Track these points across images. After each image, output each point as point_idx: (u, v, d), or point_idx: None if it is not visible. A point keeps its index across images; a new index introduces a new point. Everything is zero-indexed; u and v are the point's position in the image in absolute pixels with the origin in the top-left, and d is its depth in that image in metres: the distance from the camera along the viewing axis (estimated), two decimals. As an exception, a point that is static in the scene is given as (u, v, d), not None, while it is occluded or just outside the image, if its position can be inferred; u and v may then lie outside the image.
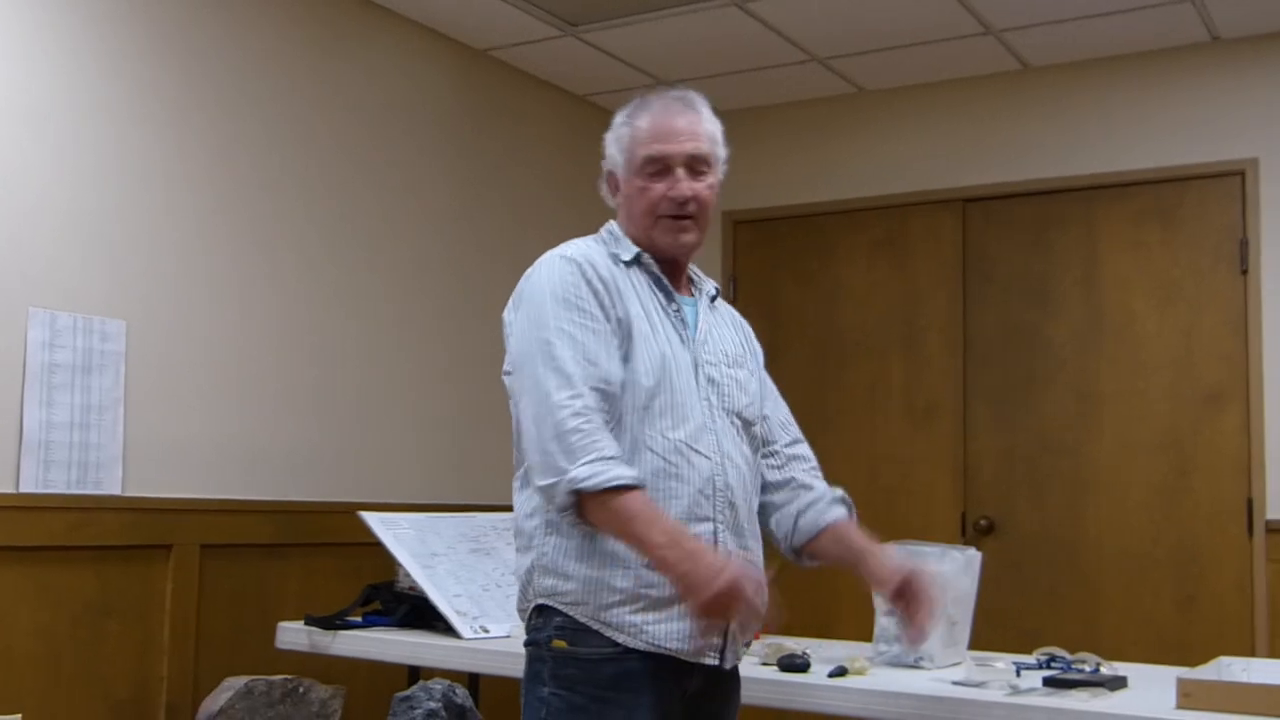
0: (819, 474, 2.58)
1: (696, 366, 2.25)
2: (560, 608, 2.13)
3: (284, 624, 3.80)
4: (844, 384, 5.42)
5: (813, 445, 5.86)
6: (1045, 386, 5.05)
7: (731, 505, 2.22)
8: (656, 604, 2.10)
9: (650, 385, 2.16)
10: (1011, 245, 5.18)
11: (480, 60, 5.10)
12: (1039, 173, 5.12)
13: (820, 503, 2.50)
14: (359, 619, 3.78)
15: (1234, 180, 4.78)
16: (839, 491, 2.55)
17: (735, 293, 5.69)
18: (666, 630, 2.11)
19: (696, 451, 2.18)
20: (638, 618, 2.10)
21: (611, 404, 2.11)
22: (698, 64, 5.17)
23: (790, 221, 5.64)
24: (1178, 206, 4.88)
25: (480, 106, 5.10)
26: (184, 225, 3.97)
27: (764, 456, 2.46)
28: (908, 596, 2.31)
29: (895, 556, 2.39)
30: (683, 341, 2.26)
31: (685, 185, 2.25)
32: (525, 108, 5.32)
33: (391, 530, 3.77)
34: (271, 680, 1.73)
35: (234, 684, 1.73)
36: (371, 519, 3.80)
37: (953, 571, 3.08)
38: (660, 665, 2.12)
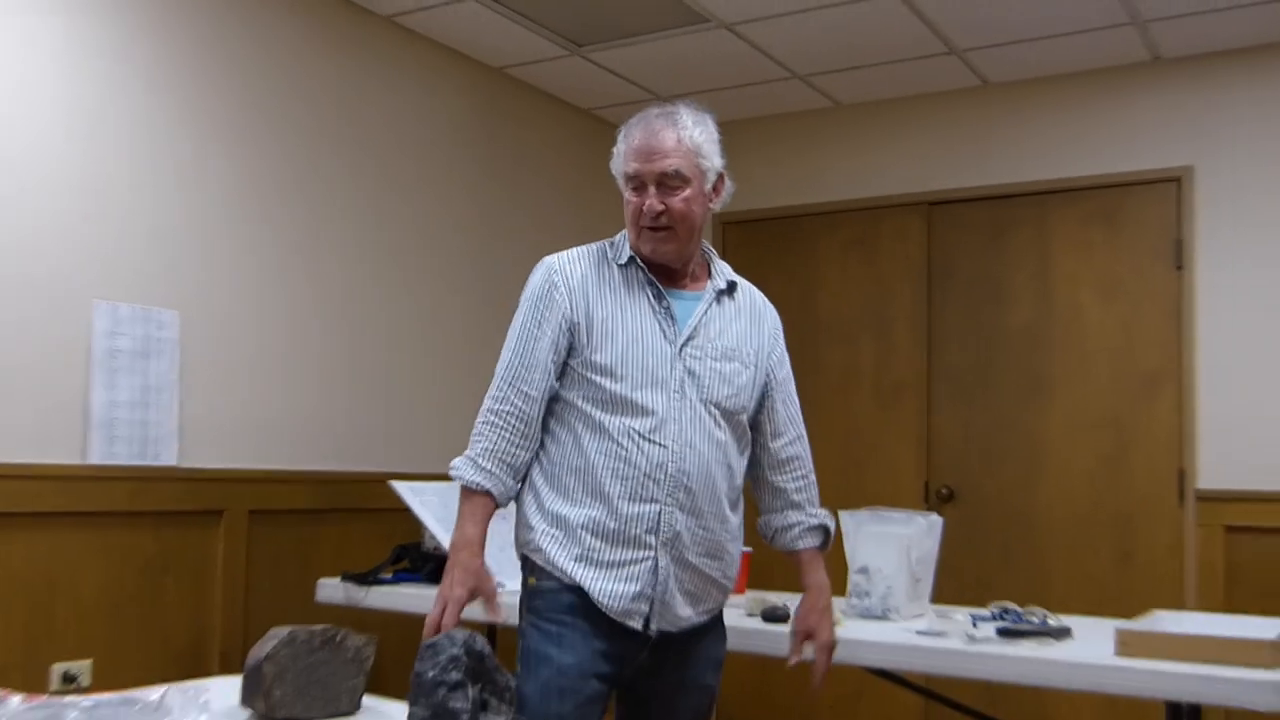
0: (808, 482, 2.56)
1: (674, 360, 2.25)
2: (530, 555, 2.26)
3: (323, 581, 3.82)
4: (821, 367, 5.44)
5: (793, 422, 5.80)
6: (1000, 370, 5.06)
7: (687, 490, 2.22)
8: (596, 564, 2.18)
9: (606, 377, 2.21)
10: (971, 244, 5.18)
11: (495, 77, 5.09)
12: (996, 179, 5.12)
13: (797, 529, 2.52)
14: (390, 576, 3.80)
15: (1171, 186, 4.78)
16: (817, 519, 2.54)
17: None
18: (600, 588, 2.17)
19: (650, 441, 2.19)
20: (581, 570, 2.18)
21: (540, 400, 2.24)
22: (691, 80, 5.17)
23: (774, 222, 5.64)
24: (1120, 209, 4.88)
25: (495, 118, 5.09)
26: (232, 226, 3.98)
27: (761, 450, 2.47)
28: (811, 642, 2.46)
29: (819, 611, 2.47)
30: (664, 336, 2.26)
31: (653, 202, 2.23)
32: (535, 120, 5.32)
33: (419, 497, 3.79)
34: (312, 630, 1.74)
35: (278, 633, 1.74)
36: (401, 487, 3.81)
37: (917, 534, 3.10)
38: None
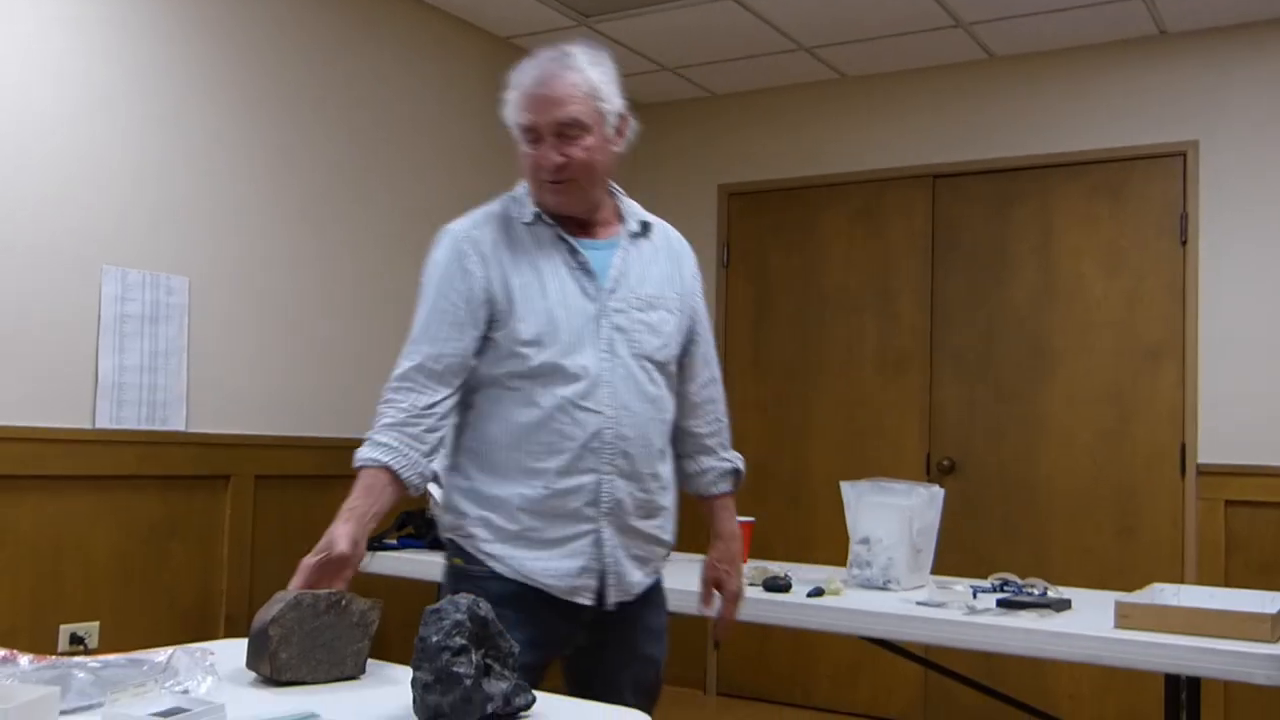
0: (721, 426, 2.35)
1: (599, 318, 2.08)
2: (458, 540, 2.11)
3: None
4: (825, 339, 5.42)
5: (796, 392, 5.89)
6: (1003, 343, 5.04)
7: (625, 455, 2.05)
8: (535, 544, 2.03)
9: (532, 348, 2.03)
10: (975, 217, 5.16)
11: (503, 47, 5.06)
12: (1001, 152, 5.09)
13: (711, 474, 2.32)
14: (394, 542, 3.80)
15: (1176, 160, 4.75)
16: (730, 464, 2.34)
17: (728, 258, 5.68)
18: (543, 567, 2.03)
19: (584, 409, 2.03)
20: (517, 553, 2.04)
21: (450, 373, 2.05)
22: (697, 51, 5.14)
23: (778, 194, 5.61)
24: (1125, 183, 4.85)
25: (501, 89, 5.05)
26: (241, 193, 3.96)
27: (678, 395, 2.25)
28: (718, 591, 2.32)
29: (729, 559, 2.31)
30: (585, 294, 2.08)
31: (552, 154, 2.04)
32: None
33: (423, 464, 3.79)
34: (317, 594, 1.74)
35: (284, 597, 1.74)
36: (406, 454, 3.81)
37: (919, 505, 3.09)
38: (542, 595, 2.05)
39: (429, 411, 2.03)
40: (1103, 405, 4.81)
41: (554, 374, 2.03)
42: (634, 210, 2.23)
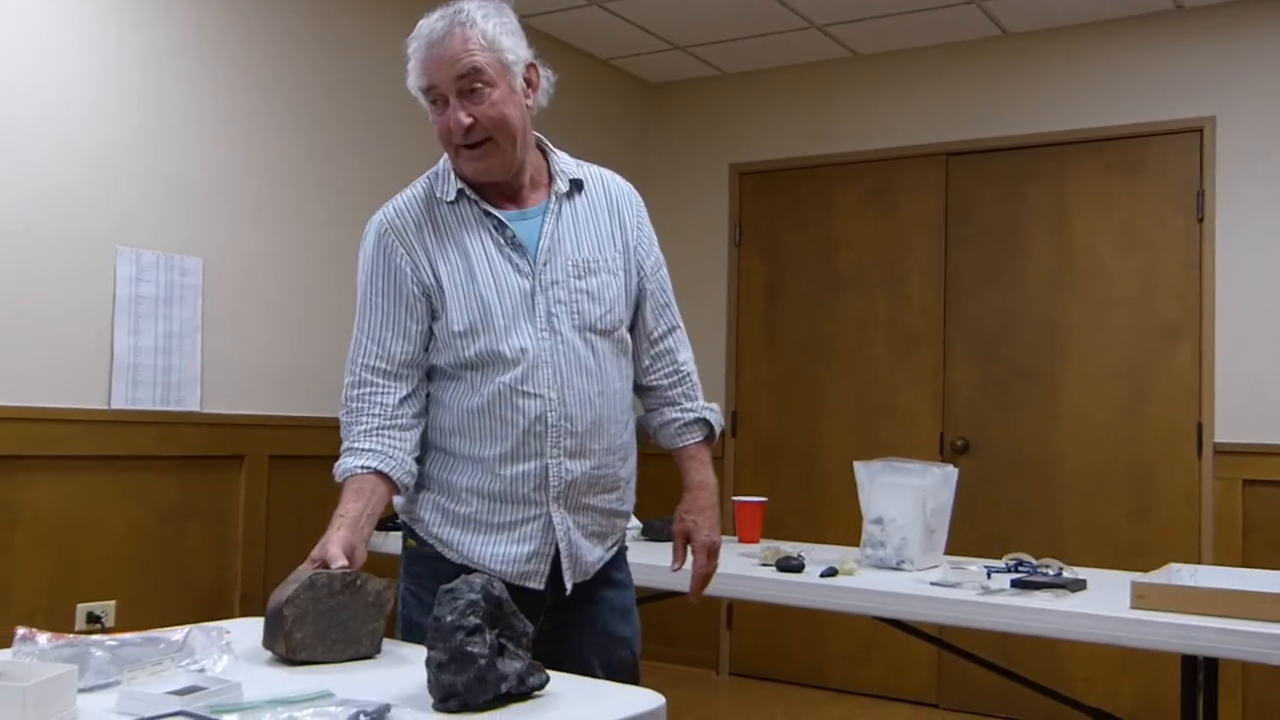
0: (681, 375, 2.23)
1: (534, 294, 1.98)
2: (410, 523, 2.07)
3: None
4: (837, 319, 5.41)
5: (809, 371, 5.87)
6: (1018, 321, 5.02)
7: (572, 434, 1.98)
8: (484, 528, 1.98)
9: (466, 338, 1.96)
10: (989, 195, 5.13)
11: (516, 26, 5.04)
12: (1015, 129, 5.06)
13: (674, 425, 2.21)
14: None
15: (1193, 136, 4.71)
16: (695, 413, 2.22)
17: (740, 237, 5.66)
18: (491, 553, 1.98)
19: (524, 393, 1.95)
20: (466, 538, 1.99)
21: (405, 368, 2.00)
22: (709, 30, 5.11)
23: (791, 173, 5.59)
24: (1141, 160, 4.82)
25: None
26: (254, 174, 3.96)
27: (635, 350, 2.16)
28: (690, 545, 2.21)
29: (699, 509, 2.21)
30: (517, 270, 1.99)
31: (458, 115, 1.93)
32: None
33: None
34: (332, 574, 1.74)
35: (300, 576, 1.74)
36: (419, 435, 3.82)
37: (932, 485, 3.08)
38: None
39: (401, 409, 1.99)
40: (1118, 384, 4.79)
41: (492, 361, 1.96)
42: (566, 167, 2.11)
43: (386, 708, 1.39)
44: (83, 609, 3.44)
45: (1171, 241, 4.73)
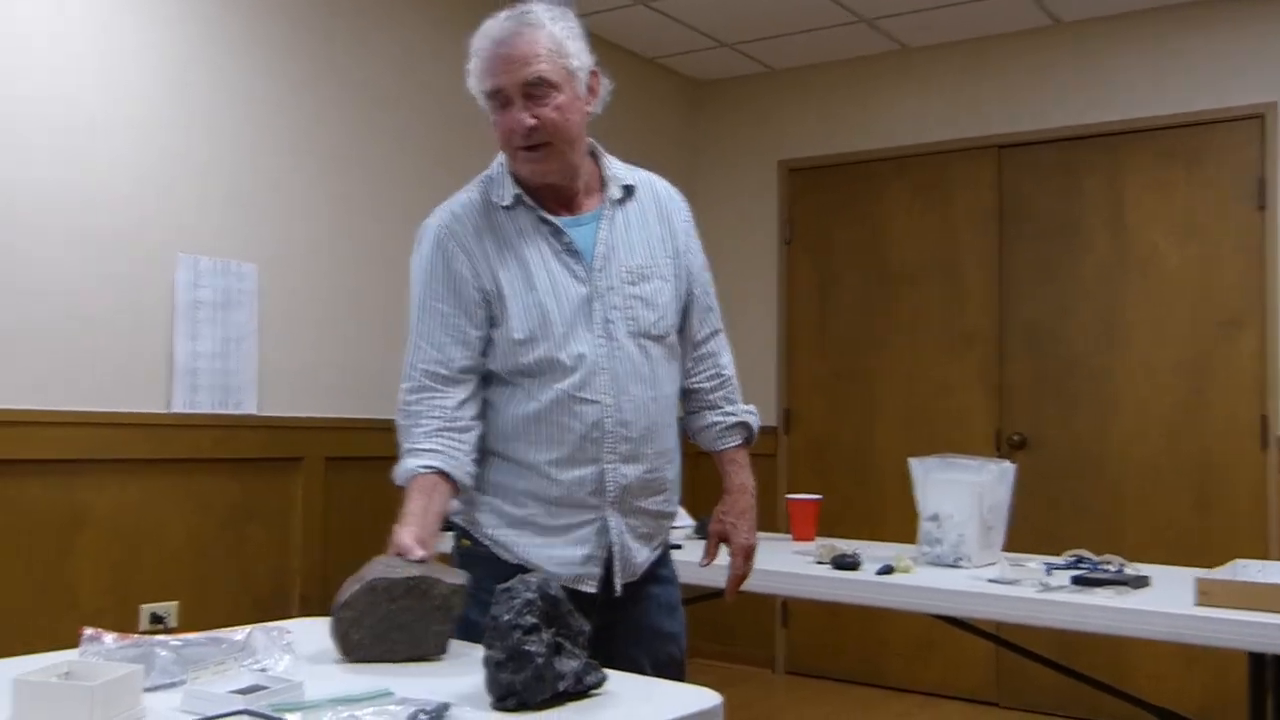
0: (723, 380, 2.25)
1: (592, 300, 2.00)
2: (466, 524, 2.08)
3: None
4: (890, 314, 5.37)
5: (862, 368, 5.83)
6: (1074, 314, 4.96)
7: (628, 440, 1.99)
8: (541, 530, 2.00)
9: (525, 345, 1.97)
10: (1043, 187, 5.07)
11: (563, 26, 5.05)
12: (1069, 120, 5.00)
13: (715, 429, 2.23)
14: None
15: (1254, 123, 4.63)
16: (735, 417, 2.24)
17: (790, 234, 5.64)
18: (547, 555, 1.99)
19: (582, 400, 1.97)
20: (523, 540, 2.01)
21: (463, 373, 2.01)
22: (755, 27, 5.09)
23: (841, 169, 5.56)
24: (1199, 149, 4.74)
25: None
26: (308, 182, 4.00)
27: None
28: (725, 544, 2.22)
29: (737, 512, 2.20)
30: (575, 277, 2.00)
31: (522, 116, 1.93)
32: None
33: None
34: (394, 579, 1.74)
35: (363, 577, 1.75)
36: (473, 435, 3.83)
37: (989, 481, 3.05)
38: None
39: (459, 411, 1.99)
40: (1179, 377, 4.71)
41: (550, 368, 1.97)
42: (618, 173, 2.12)
43: (445, 706, 1.40)
44: (146, 609, 3.49)
45: (1231, 231, 4.65)
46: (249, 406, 3.76)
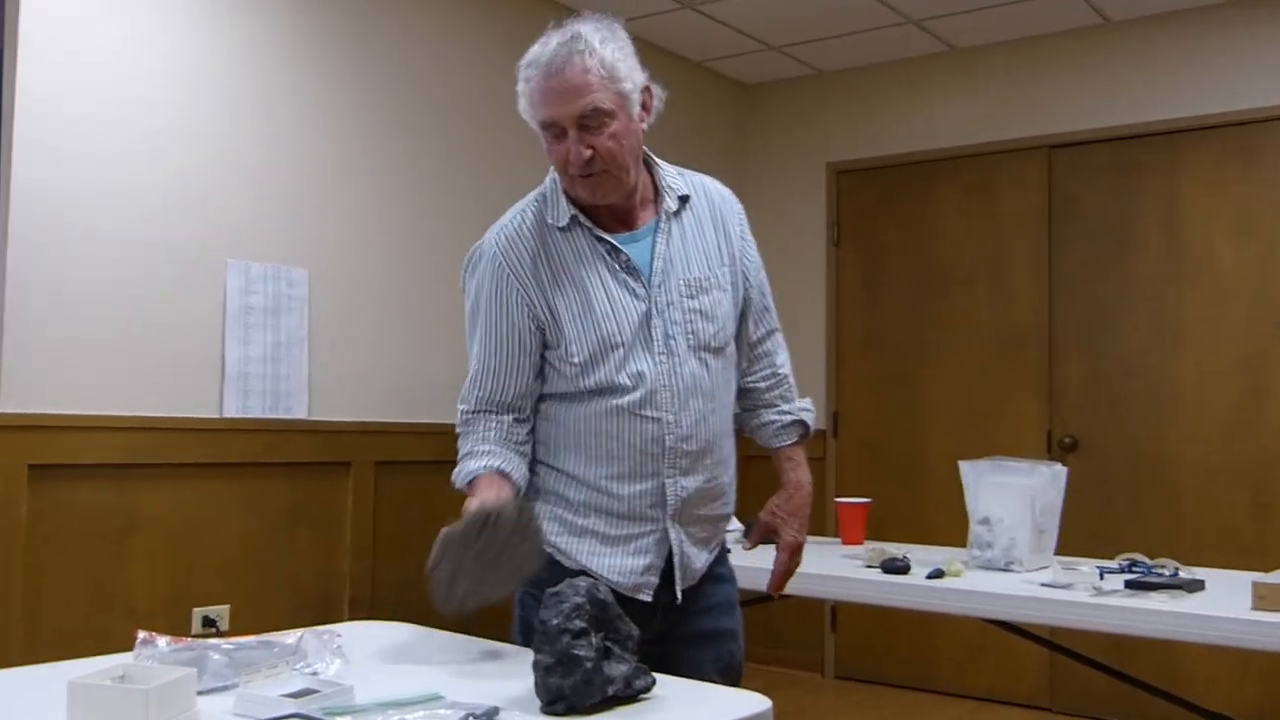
0: (779, 379, 2.24)
1: (650, 317, 1.99)
2: None
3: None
4: (939, 316, 5.33)
5: (911, 370, 5.80)
6: (1127, 316, 4.90)
7: (688, 454, 2.00)
8: (603, 540, 2.00)
9: (584, 368, 1.97)
10: (1095, 187, 5.01)
11: (609, 31, 5.06)
12: (1121, 119, 4.93)
13: (771, 427, 2.23)
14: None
15: (1310, 121, 4.55)
16: (791, 415, 2.23)
17: (839, 236, 5.61)
18: (608, 564, 1.99)
19: (642, 417, 1.97)
20: (584, 548, 2.01)
21: (518, 399, 2.04)
22: (803, 29, 5.07)
23: (889, 170, 5.53)
24: (1258, 146, 4.66)
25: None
26: (357, 189, 4.03)
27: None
28: (773, 538, 2.20)
29: (790, 509, 2.19)
30: (634, 295, 1.99)
31: (578, 149, 1.91)
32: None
33: (538, 449, 3.81)
34: (463, 526, 1.77)
35: (437, 542, 1.79)
36: (521, 439, 3.84)
37: (1040, 484, 3.01)
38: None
39: (514, 430, 2.05)
40: (1236, 378, 4.64)
41: (610, 389, 1.97)
42: (672, 182, 2.10)
43: (495, 710, 1.40)
44: (198, 613, 3.53)
45: (1289, 230, 4.56)
46: (299, 411, 3.80)
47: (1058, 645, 3.38)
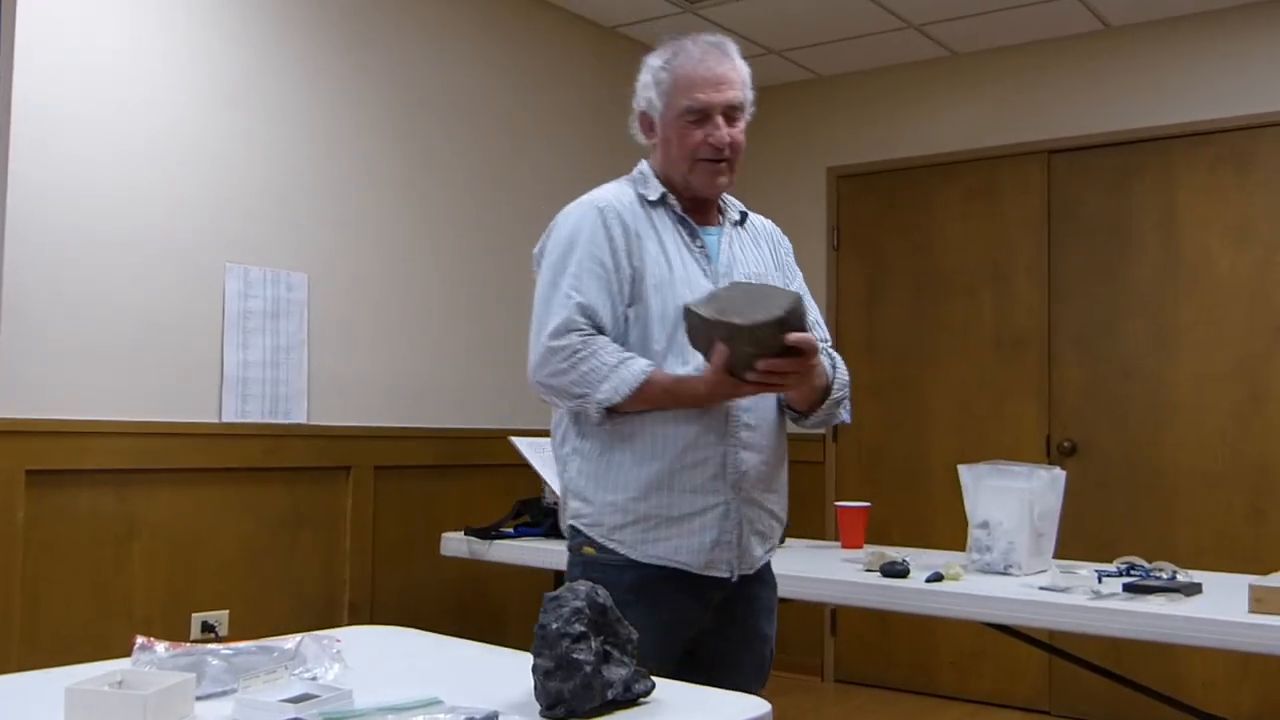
0: (834, 361, 2.28)
1: None
2: (582, 528, 2.12)
3: (447, 535, 3.88)
4: (939, 320, 5.33)
5: (911, 374, 5.82)
6: (1125, 320, 4.90)
7: (749, 426, 2.11)
8: (665, 522, 2.05)
9: (660, 324, 2.08)
10: (1094, 192, 5.01)
11: (610, 37, 5.07)
12: (1120, 125, 4.94)
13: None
14: (511, 530, 3.85)
15: (1307, 126, 4.55)
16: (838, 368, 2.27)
17: (839, 240, 5.61)
18: (675, 546, 2.05)
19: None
20: (647, 535, 2.05)
21: (602, 327, 2.06)
22: (805, 33, 5.08)
23: (889, 175, 5.53)
24: (1254, 152, 4.66)
25: (611, 78, 5.07)
26: (356, 193, 4.04)
27: None
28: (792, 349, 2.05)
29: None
30: (706, 275, 2.15)
31: (724, 132, 2.14)
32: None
33: (538, 453, 3.82)
34: (716, 293, 2.07)
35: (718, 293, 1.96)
36: (521, 443, 3.85)
37: (1039, 488, 3.01)
38: (676, 576, 2.07)
39: (611, 345, 2.06)
40: (1233, 383, 4.64)
41: (679, 351, 2.07)
42: (732, 200, 2.32)
43: (494, 715, 1.40)
44: (197, 618, 3.53)
45: (1287, 234, 4.57)
46: (299, 416, 3.80)
47: (1056, 649, 3.38)
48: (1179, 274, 4.78)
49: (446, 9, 4.37)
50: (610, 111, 5.04)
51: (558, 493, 2.24)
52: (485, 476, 4.32)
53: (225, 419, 3.60)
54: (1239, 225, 4.67)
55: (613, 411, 2.04)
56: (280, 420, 3.74)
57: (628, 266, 2.09)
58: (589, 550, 2.11)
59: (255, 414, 3.67)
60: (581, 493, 2.12)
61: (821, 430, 2.34)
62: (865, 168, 5.58)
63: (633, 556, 2.06)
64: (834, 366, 2.24)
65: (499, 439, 4.05)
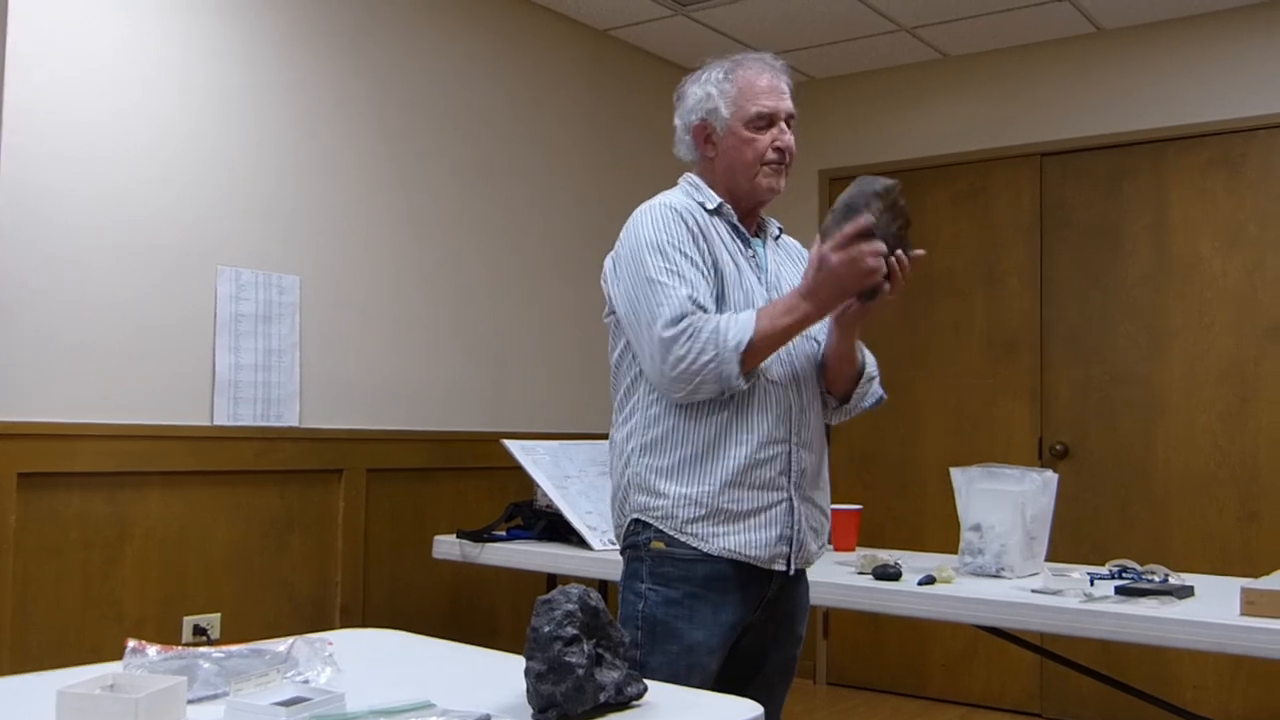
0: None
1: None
2: (652, 521, 2.13)
3: (439, 537, 3.88)
4: (931, 323, 5.34)
5: (903, 377, 5.83)
6: (1117, 323, 4.91)
7: (807, 425, 2.21)
8: (735, 517, 2.11)
9: None
10: (1085, 195, 5.03)
11: (602, 40, 5.07)
12: (1111, 127, 4.95)
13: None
14: (503, 533, 3.85)
15: (1297, 130, 4.57)
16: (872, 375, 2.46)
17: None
18: (744, 540, 2.11)
19: (774, 383, 2.16)
20: (719, 529, 2.10)
21: (708, 307, 2.12)
22: (796, 36, 5.09)
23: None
24: (1244, 155, 4.68)
25: (601, 82, 5.07)
26: (348, 195, 4.03)
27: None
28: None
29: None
30: (760, 283, 2.24)
31: (789, 136, 2.28)
32: (641, 82, 5.28)
33: (530, 456, 3.82)
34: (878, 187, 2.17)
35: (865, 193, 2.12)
36: (513, 446, 3.85)
37: (1031, 491, 3.02)
38: (742, 570, 2.12)
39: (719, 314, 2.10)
40: (1223, 386, 4.65)
41: None
42: (768, 218, 2.41)
43: (486, 718, 1.40)
44: (189, 621, 3.52)
45: (1277, 238, 4.58)
46: (290, 419, 3.79)
47: (1048, 651, 3.39)
48: (1170, 276, 4.79)
49: (438, 12, 4.37)
50: (602, 114, 5.04)
51: (613, 491, 2.25)
52: (477, 479, 4.32)
53: (217, 422, 3.59)
54: (1230, 228, 4.68)
55: (748, 362, 2.05)
56: (272, 423, 3.73)
57: (711, 266, 2.16)
58: (658, 545, 2.13)
59: (247, 417, 3.67)
60: (651, 487, 2.13)
61: (853, 416, 2.40)
62: (856, 170, 5.58)
63: (705, 549, 2.11)
64: (862, 350, 2.41)
65: (491, 441, 4.04)
